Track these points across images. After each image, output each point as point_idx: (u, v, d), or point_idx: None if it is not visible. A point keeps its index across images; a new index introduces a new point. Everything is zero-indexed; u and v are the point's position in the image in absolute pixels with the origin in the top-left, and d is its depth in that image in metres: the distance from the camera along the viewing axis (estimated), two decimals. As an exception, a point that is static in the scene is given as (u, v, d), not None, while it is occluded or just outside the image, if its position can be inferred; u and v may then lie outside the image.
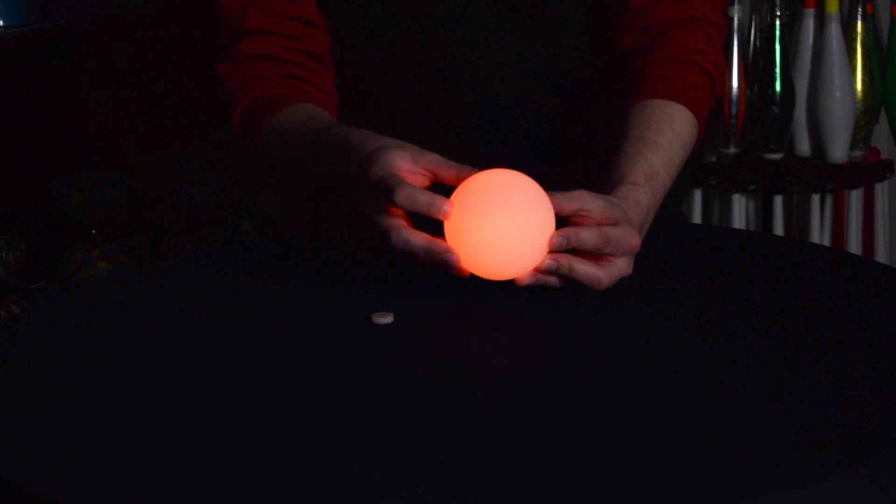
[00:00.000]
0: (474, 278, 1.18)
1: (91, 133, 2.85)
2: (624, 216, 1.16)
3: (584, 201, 1.15)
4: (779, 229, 2.43)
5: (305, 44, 1.41)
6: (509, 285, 1.18)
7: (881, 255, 2.48)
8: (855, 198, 2.43)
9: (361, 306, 1.17)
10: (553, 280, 1.15)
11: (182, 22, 2.76)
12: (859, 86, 2.36)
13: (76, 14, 2.72)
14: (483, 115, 1.44)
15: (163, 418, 1.00)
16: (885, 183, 2.48)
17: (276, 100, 1.38)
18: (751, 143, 2.40)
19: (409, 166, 1.17)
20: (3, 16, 2.63)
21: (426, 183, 1.18)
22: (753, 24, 2.40)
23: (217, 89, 1.44)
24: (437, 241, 1.14)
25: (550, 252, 1.14)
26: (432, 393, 1.02)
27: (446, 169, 1.17)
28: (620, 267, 1.16)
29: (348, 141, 1.24)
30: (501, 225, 1.13)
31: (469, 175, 1.16)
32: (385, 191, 1.15)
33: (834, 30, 2.33)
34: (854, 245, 2.43)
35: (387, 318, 1.14)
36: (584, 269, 1.14)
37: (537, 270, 1.14)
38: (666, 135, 1.30)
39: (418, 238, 1.15)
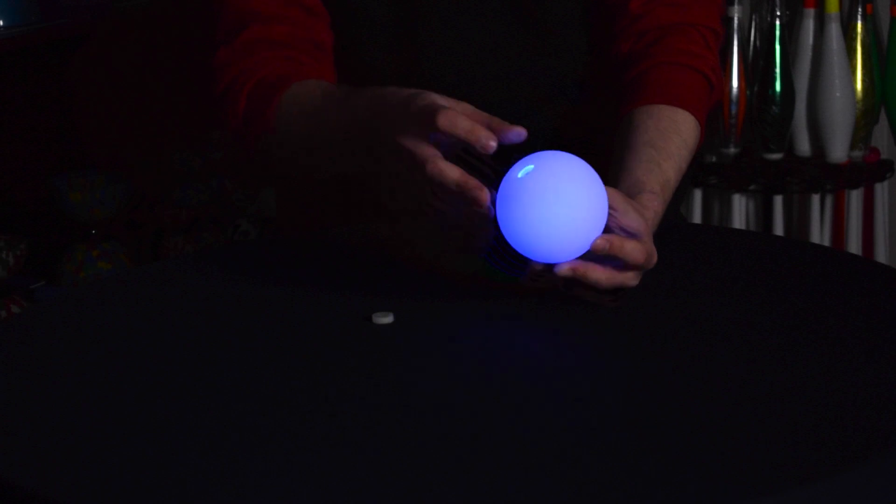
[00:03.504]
0: (475, 279, 1.18)
1: (91, 133, 2.85)
2: (647, 229, 1.16)
3: (615, 201, 1.14)
4: (779, 229, 2.43)
5: (306, 31, 1.41)
6: (510, 285, 1.19)
7: (881, 255, 2.48)
8: (855, 198, 2.43)
9: (361, 306, 1.17)
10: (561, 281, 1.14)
11: (182, 22, 2.76)
12: (859, 86, 2.36)
13: (76, 14, 2.72)
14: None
15: (163, 418, 1.00)
16: (885, 183, 2.48)
17: (285, 78, 1.37)
18: (751, 143, 2.40)
19: (450, 104, 1.16)
20: (3, 16, 2.63)
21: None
22: (753, 24, 2.40)
23: (213, 80, 1.43)
24: (471, 177, 1.13)
25: (591, 250, 1.13)
26: (432, 393, 1.02)
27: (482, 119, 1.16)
28: (631, 285, 1.15)
29: (384, 91, 1.23)
30: (556, 209, 1.11)
31: (502, 127, 1.14)
32: (427, 116, 1.14)
33: (834, 30, 2.33)
34: (854, 245, 2.43)
35: (387, 318, 1.14)
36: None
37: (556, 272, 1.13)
38: (675, 142, 1.30)
39: (453, 170, 1.13)
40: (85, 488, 0.90)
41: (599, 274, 1.12)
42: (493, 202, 1.14)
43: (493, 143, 1.12)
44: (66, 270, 2.65)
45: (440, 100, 1.16)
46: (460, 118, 1.13)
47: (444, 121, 1.13)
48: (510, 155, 1.33)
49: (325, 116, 1.31)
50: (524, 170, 1.12)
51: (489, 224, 1.14)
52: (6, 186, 2.75)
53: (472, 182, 1.12)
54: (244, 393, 1.03)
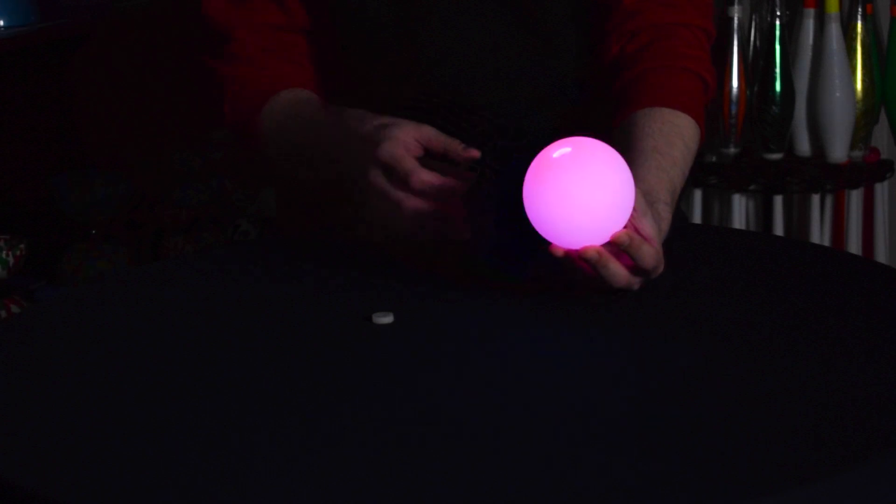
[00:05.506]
0: (475, 279, 1.18)
1: (91, 133, 2.85)
2: (660, 237, 1.16)
3: (637, 202, 1.15)
4: (779, 229, 2.43)
5: (278, 42, 1.45)
6: (510, 285, 1.19)
7: (881, 255, 2.48)
8: (855, 198, 2.43)
9: (361, 306, 1.17)
10: (577, 273, 1.14)
11: (182, 22, 2.76)
12: (859, 86, 2.36)
13: (76, 14, 2.72)
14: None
15: (163, 418, 1.00)
16: (885, 183, 2.48)
17: (262, 92, 1.41)
18: (751, 143, 2.40)
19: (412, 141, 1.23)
20: (3, 16, 2.63)
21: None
22: (753, 24, 2.40)
23: (210, 81, 1.46)
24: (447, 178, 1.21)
25: (612, 241, 1.12)
26: (432, 393, 1.02)
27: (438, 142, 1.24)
28: (633, 289, 1.15)
29: (346, 124, 1.30)
30: (588, 191, 1.11)
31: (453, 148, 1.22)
32: (399, 174, 1.21)
33: (834, 30, 2.33)
34: (854, 245, 2.43)
35: (387, 318, 1.14)
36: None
37: (580, 251, 1.13)
38: (679, 148, 1.30)
39: (434, 175, 1.22)
40: (85, 488, 0.90)
41: (619, 268, 1.12)
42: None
43: (472, 153, 1.22)
44: (66, 270, 2.65)
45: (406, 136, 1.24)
46: (440, 135, 1.22)
47: (416, 182, 1.22)
48: (510, 153, 1.33)
49: (297, 137, 1.37)
50: (560, 151, 1.12)
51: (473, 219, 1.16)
52: (6, 186, 2.75)
53: (449, 181, 1.20)
54: (244, 393, 1.03)
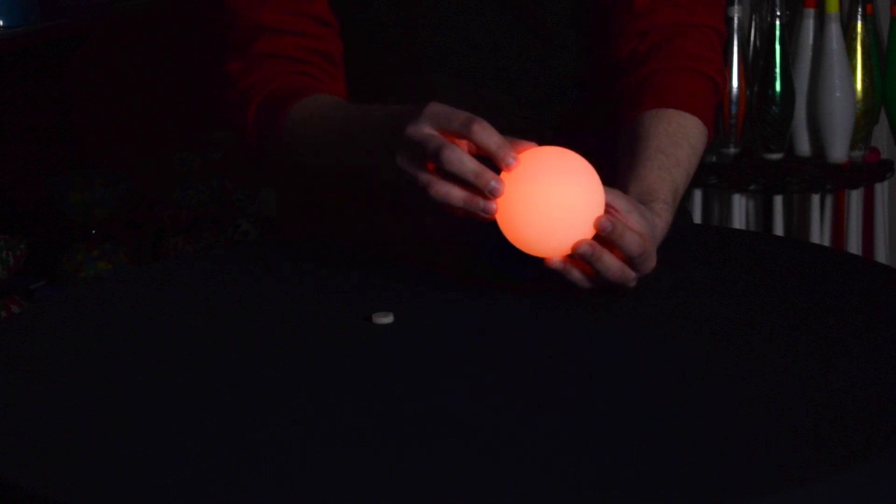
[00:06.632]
0: (475, 279, 1.18)
1: (91, 133, 2.85)
2: (651, 233, 1.16)
3: (618, 202, 1.15)
4: (779, 229, 2.43)
5: (318, 43, 1.41)
6: (510, 285, 1.19)
7: (881, 255, 2.48)
8: (855, 198, 2.43)
9: (361, 306, 1.17)
10: (577, 274, 1.14)
11: (182, 22, 2.76)
12: (859, 86, 2.36)
13: (76, 14, 2.72)
14: (484, 117, 1.43)
15: (163, 418, 1.00)
16: (885, 183, 2.48)
17: (299, 90, 1.36)
18: (751, 143, 2.40)
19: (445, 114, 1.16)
20: (3, 16, 2.63)
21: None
22: (753, 24, 2.40)
23: (224, 88, 1.42)
24: (488, 169, 1.13)
25: (597, 231, 1.13)
26: (432, 393, 1.02)
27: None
28: (629, 286, 1.15)
29: (389, 109, 1.23)
30: (551, 194, 1.12)
31: (520, 147, 1.14)
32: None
33: (834, 30, 2.33)
34: (854, 245, 2.43)
35: (387, 318, 1.14)
36: (613, 268, 1.14)
37: (572, 251, 1.13)
38: (685, 149, 1.30)
39: (471, 159, 1.13)
40: (85, 488, 0.90)
41: (613, 259, 1.13)
42: None
43: (515, 164, 1.13)
44: (66, 270, 2.65)
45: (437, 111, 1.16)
46: (495, 133, 1.13)
47: (479, 129, 1.13)
48: None
49: (337, 115, 1.31)
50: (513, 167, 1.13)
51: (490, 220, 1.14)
52: (6, 186, 2.75)
53: (490, 173, 1.13)
54: (244, 393, 1.03)
